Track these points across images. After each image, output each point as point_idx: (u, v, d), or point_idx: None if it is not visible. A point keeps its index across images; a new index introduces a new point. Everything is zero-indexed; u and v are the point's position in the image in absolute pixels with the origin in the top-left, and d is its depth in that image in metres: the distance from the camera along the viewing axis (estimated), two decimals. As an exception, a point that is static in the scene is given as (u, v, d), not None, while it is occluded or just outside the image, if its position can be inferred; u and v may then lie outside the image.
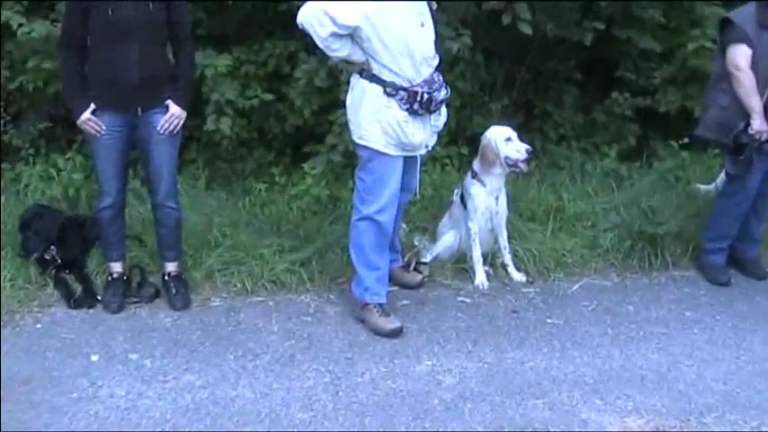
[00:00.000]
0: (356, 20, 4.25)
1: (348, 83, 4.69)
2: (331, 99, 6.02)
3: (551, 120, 7.23)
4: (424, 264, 5.40)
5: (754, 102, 5.05)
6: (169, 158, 4.68)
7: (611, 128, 7.22)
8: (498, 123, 5.44)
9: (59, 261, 5.07)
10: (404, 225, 5.52)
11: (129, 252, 5.11)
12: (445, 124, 4.84)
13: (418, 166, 4.80)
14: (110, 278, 4.94)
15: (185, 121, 4.68)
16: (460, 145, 6.67)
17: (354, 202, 4.69)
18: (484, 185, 5.26)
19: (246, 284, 5.09)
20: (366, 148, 4.50)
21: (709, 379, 4.34)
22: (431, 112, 4.55)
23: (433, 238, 5.60)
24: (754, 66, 5.04)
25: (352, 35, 4.33)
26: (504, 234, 5.42)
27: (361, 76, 4.47)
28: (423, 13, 4.50)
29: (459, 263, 5.48)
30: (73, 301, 4.84)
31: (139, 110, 4.51)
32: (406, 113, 4.43)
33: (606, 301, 5.18)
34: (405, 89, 4.40)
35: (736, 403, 4.14)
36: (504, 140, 5.19)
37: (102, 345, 4.45)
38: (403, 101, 4.41)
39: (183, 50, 4.64)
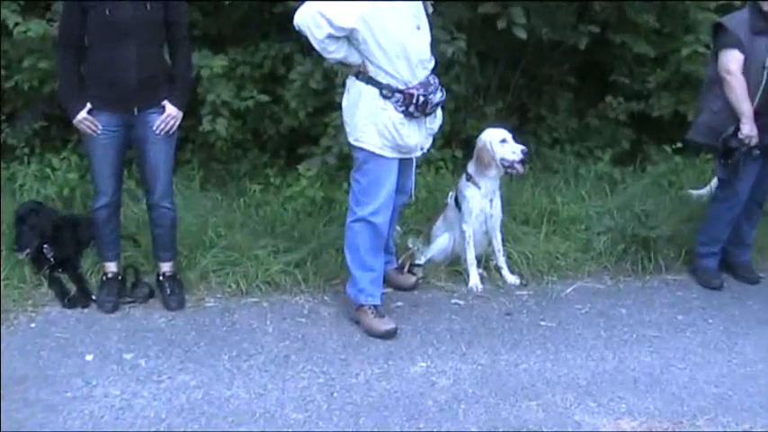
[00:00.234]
0: (353, 22, 4.27)
1: (344, 85, 4.71)
2: (326, 101, 6.02)
3: (545, 123, 7.25)
4: (419, 266, 5.42)
5: (744, 107, 5.08)
6: (165, 158, 4.68)
7: (605, 132, 7.24)
8: (493, 126, 5.45)
9: (54, 260, 5.07)
10: (398, 227, 5.53)
11: (123, 252, 5.12)
12: (440, 127, 4.86)
13: (413, 168, 4.82)
14: (104, 278, 4.94)
15: (181, 121, 4.69)
16: (455, 148, 6.69)
17: (349, 203, 4.71)
18: (478, 188, 5.27)
19: (241, 285, 5.09)
20: (362, 149, 4.52)
21: (701, 382, 4.36)
22: (426, 115, 4.56)
23: (428, 241, 5.61)
24: (746, 71, 5.07)
25: (349, 37, 4.35)
26: (499, 237, 5.43)
27: (357, 78, 4.48)
28: (418, 15, 4.51)
29: (454, 265, 5.50)
30: (67, 301, 4.84)
31: (136, 110, 4.52)
32: (401, 116, 4.44)
33: (599, 304, 5.20)
34: (401, 91, 4.41)
35: (728, 406, 4.16)
36: (499, 142, 5.21)
37: (97, 344, 4.45)
38: (399, 103, 4.42)
39: (180, 51, 4.65)
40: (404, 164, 4.66)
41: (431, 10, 4.68)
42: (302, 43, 5.21)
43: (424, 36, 4.53)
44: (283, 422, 3.87)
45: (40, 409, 3.86)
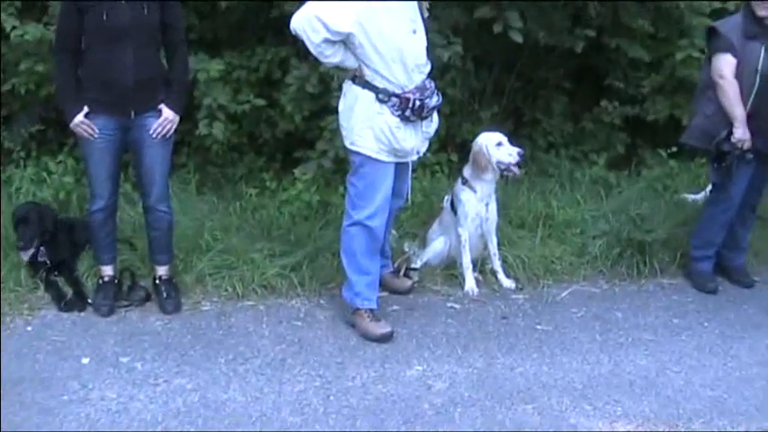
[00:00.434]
0: (349, 26, 4.27)
1: (340, 89, 4.72)
2: (322, 105, 6.04)
3: (540, 127, 7.27)
4: (414, 269, 5.42)
5: (737, 110, 5.10)
6: (161, 162, 4.68)
7: (600, 136, 7.25)
8: (488, 130, 5.46)
9: (50, 264, 5.06)
10: (394, 231, 5.54)
11: (119, 255, 5.12)
12: (436, 131, 4.87)
13: (409, 172, 4.83)
14: (101, 281, 4.94)
15: (177, 125, 4.69)
16: (450, 152, 6.70)
17: (346, 207, 4.71)
18: (474, 192, 5.28)
19: (237, 289, 5.10)
20: (358, 153, 4.52)
21: (696, 385, 4.37)
22: (422, 119, 4.57)
23: (423, 245, 5.62)
24: (739, 75, 5.10)
25: (345, 41, 4.35)
26: (494, 240, 5.44)
27: (353, 82, 4.49)
28: (415, 20, 4.52)
29: (449, 269, 5.51)
30: (63, 304, 4.84)
31: (133, 113, 4.52)
32: (398, 120, 4.45)
33: (595, 308, 5.21)
34: (397, 96, 4.42)
35: (724, 409, 4.18)
36: (495, 145, 5.22)
37: (93, 348, 4.45)
38: (395, 107, 4.43)
39: (177, 55, 4.66)
40: (400, 168, 4.66)
41: (427, 14, 4.69)
42: (298, 47, 5.24)
43: (421, 40, 4.54)
44: (280, 425, 3.87)
45: (37, 412, 3.86)
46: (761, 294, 5.52)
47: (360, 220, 4.58)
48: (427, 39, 4.62)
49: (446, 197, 5.57)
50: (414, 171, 5.08)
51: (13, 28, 5.72)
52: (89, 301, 4.87)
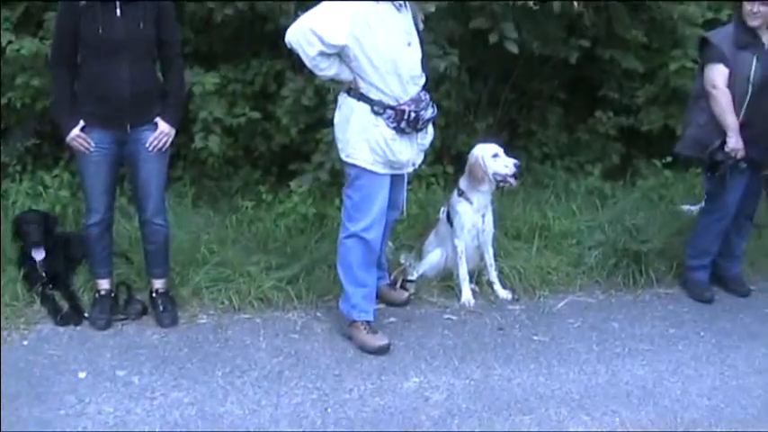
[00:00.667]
0: (344, 39, 4.28)
1: (335, 101, 4.72)
2: (317, 117, 6.04)
3: (535, 138, 7.28)
4: (411, 281, 5.43)
5: (730, 120, 5.12)
6: (158, 175, 4.69)
7: (595, 147, 7.27)
8: (483, 141, 5.48)
9: (46, 277, 5.06)
10: (390, 243, 5.53)
11: (116, 269, 5.11)
12: (431, 143, 4.88)
13: (405, 184, 4.84)
14: (97, 295, 4.93)
15: (173, 138, 4.70)
16: (446, 164, 6.71)
17: (342, 219, 4.72)
18: (470, 203, 5.29)
19: (234, 301, 5.09)
20: (354, 165, 4.53)
21: (693, 394, 4.38)
22: (418, 131, 4.58)
23: (420, 256, 5.62)
24: (731, 85, 5.12)
25: (340, 54, 4.36)
26: (491, 252, 5.45)
27: (348, 94, 4.50)
28: (410, 32, 4.54)
29: (446, 280, 5.51)
30: (60, 318, 4.83)
31: (129, 127, 4.53)
32: (393, 132, 4.46)
33: (591, 318, 5.22)
34: (392, 108, 4.43)
35: (721, 418, 4.19)
36: (491, 157, 5.23)
37: (90, 361, 4.45)
38: (390, 119, 4.44)
39: (172, 68, 4.67)
40: (395, 180, 4.67)
41: (422, 26, 4.71)
42: (293, 60, 5.24)
43: (415, 52, 4.55)
44: (277, 438, 3.88)
45: (34, 427, 3.86)
46: (757, 303, 5.53)
47: (356, 232, 4.59)
48: (422, 51, 4.63)
49: (442, 209, 5.57)
50: (409, 183, 5.09)
51: (9, 42, 5.73)
52: (85, 314, 4.87)
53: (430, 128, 4.73)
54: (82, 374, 4.32)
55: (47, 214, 5.37)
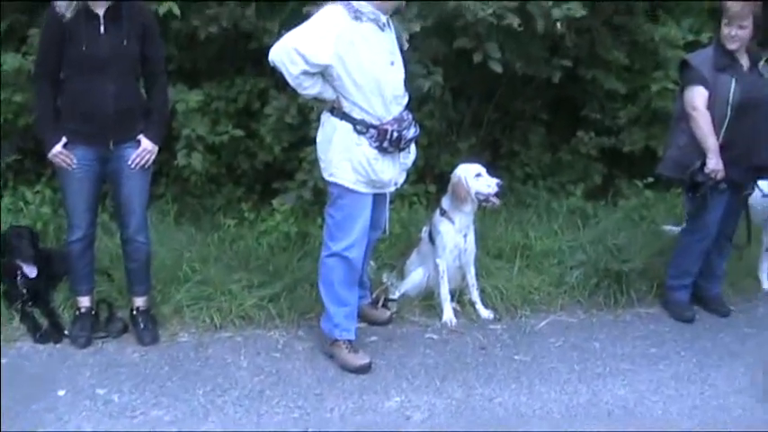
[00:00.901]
0: (327, 58, 4.30)
1: (318, 120, 4.73)
2: (301, 136, 6.05)
3: (518, 159, 7.31)
4: (393, 300, 5.42)
5: (710, 141, 5.16)
6: (140, 193, 4.69)
7: (577, 167, 7.30)
8: (466, 161, 5.49)
9: (26, 294, 5.03)
10: (372, 262, 5.54)
11: (97, 286, 5.09)
12: (414, 162, 4.90)
13: (387, 203, 4.84)
14: (77, 312, 4.91)
15: (156, 155, 4.69)
16: (428, 183, 6.73)
17: (324, 238, 4.71)
18: (453, 223, 5.30)
19: (215, 320, 5.08)
20: (336, 185, 4.54)
21: (674, 414, 4.39)
22: (400, 150, 4.59)
23: (402, 275, 5.62)
24: (711, 107, 5.16)
25: (324, 73, 4.37)
26: (472, 271, 5.45)
27: (331, 113, 4.51)
28: (393, 51, 4.55)
29: (428, 300, 5.51)
30: (39, 336, 4.81)
31: (112, 144, 4.53)
32: (376, 151, 4.47)
33: (573, 338, 5.23)
34: (375, 127, 4.44)
35: (702, 438, 4.20)
36: (474, 176, 5.24)
37: (69, 380, 4.42)
38: (373, 138, 4.45)
39: (156, 86, 4.68)
40: (378, 199, 4.68)
41: (406, 46, 4.73)
42: (277, 78, 5.25)
43: (399, 72, 4.57)
44: (258, 457, 3.87)
45: (12, 446, 3.84)
46: (737, 323, 5.55)
47: (338, 251, 4.59)
48: (405, 70, 4.65)
49: (424, 228, 5.58)
50: (392, 202, 5.09)
51: (-8, 58, 5.73)
52: (65, 332, 4.85)
53: (413, 147, 4.75)
54: (61, 392, 4.30)
55: (31, 230, 5.34)
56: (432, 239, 5.41)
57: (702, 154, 5.18)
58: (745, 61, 5.25)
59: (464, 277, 5.47)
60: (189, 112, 5.97)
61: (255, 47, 5.96)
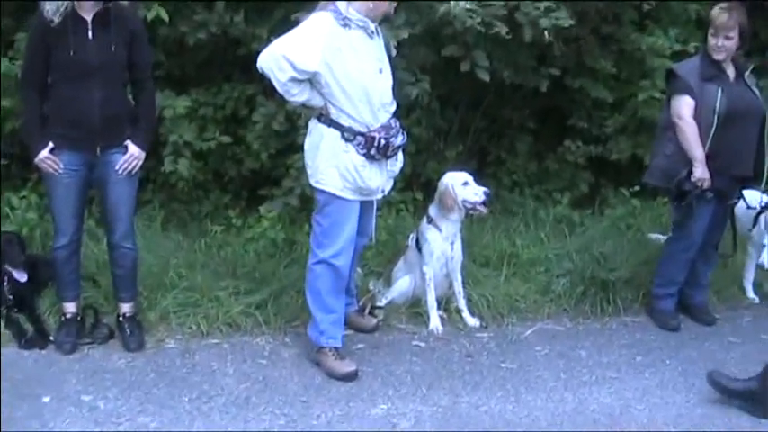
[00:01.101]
0: (316, 65, 4.30)
1: (306, 127, 4.73)
2: (288, 143, 6.05)
3: (505, 167, 7.32)
4: (379, 308, 5.42)
5: (696, 151, 5.19)
6: (127, 199, 4.68)
7: (564, 175, 7.32)
8: (453, 169, 5.51)
9: (11, 299, 5.01)
10: (359, 269, 5.53)
11: (83, 292, 5.07)
12: (401, 170, 4.90)
13: (374, 210, 4.84)
14: (63, 318, 4.89)
15: (142, 161, 4.69)
16: (415, 190, 6.73)
17: (311, 245, 4.71)
18: (440, 231, 5.31)
19: (202, 326, 5.07)
20: (323, 192, 4.54)
21: (660, 422, 4.39)
22: (388, 158, 4.59)
23: (388, 283, 5.61)
24: (697, 116, 5.20)
25: (312, 80, 4.38)
26: (459, 279, 5.46)
27: (319, 120, 4.51)
28: (381, 59, 4.56)
29: (414, 307, 5.51)
30: (24, 342, 4.78)
31: (99, 150, 4.52)
32: (363, 158, 4.47)
33: (559, 346, 5.23)
34: (362, 134, 4.44)
35: (687, 446, 4.21)
36: (461, 185, 5.25)
37: (55, 386, 4.40)
38: (360, 146, 4.45)
39: (144, 92, 4.67)
40: (365, 206, 4.68)
41: (394, 53, 4.73)
42: (265, 85, 5.24)
43: (387, 79, 4.57)
44: (244, 464, 3.85)
45: (-4, 452, 3.81)
46: (722, 332, 5.57)
47: (325, 258, 4.59)
48: (393, 78, 4.66)
49: (411, 236, 5.58)
50: (379, 209, 5.10)
51: (-22, 63, 5.70)
52: (51, 338, 4.82)
53: (400, 155, 4.75)
54: (46, 399, 4.27)
55: (19, 236, 5.31)
56: (419, 247, 5.42)
57: (689, 163, 5.21)
58: (731, 71, 5.29)
59: (451, 285, 5.47)
60: (176, 119, 5.96)
61: (244, 53, 5.96)
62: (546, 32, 5.87)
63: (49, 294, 5.17)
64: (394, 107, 4.63)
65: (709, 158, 5.19)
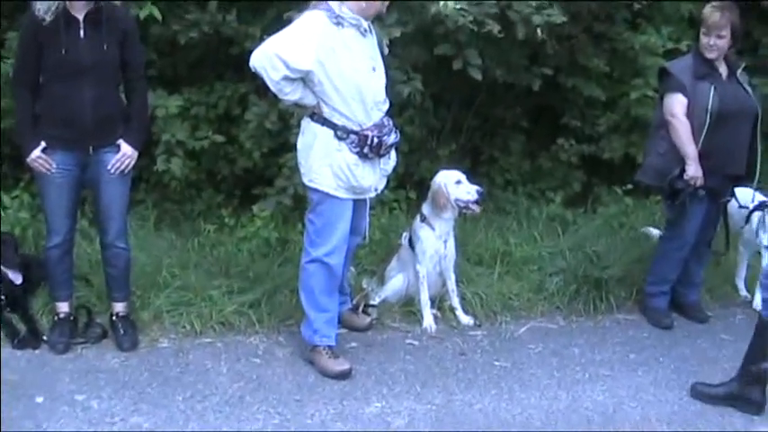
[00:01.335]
0: (309, 64, 4.30)
1: (299, 126, 4.72)
2: (281, 142, 6.04)
3: (498, 165, 7.33)
4: (373, 306, 5.42)
5: (689, 149, 5.19)
6: (120, 198, 4.67)
7: (557, 174, 7.33)
8: (446, 168, 5.51)
9: (4, 299, 4.99)
10: (352, 268, 5.53)
11: (76, 292, 5.06)
12: (394, 168, 4.90)
13: (367, 209, 4.84)
14: (56, 318, 4.88)
15: (135, 161, 4.68)
16: (408, 189, 6.73)
17: (304, 244, 4.71)
18: (433, 229, 5.31)
19: (195, 326, 5.06)
20: (316, 190, 4.53)
21: (653, 420, 4.41)
22: (381, 156, 4.59)
23: (382, 281, 5.61)
24: (690, 114, 5.20)
25: (305, 79, 4.37)
26: (452, 277, 5.46)
27: (312, 119, 4.51)
28: (374, 57, 4.56)
29: (408, 306, 5.51)
30: (17, 342, 4.76)
31: (91, 149, 4.51)
32: (356, 157, 4.47)
33: (552, 344, 5.24)
34: (355, 133, 4.44)
35: (680, 444, 4.22)
36: (454, 183, 5.26)
37: (48, 386, 4.39)
38: (353, 144, 4.45)
39: (136, 91, 4.66)
40: (358, 205, 4.68)
41: (386, 51, 4.73)
42: (257, 84, 5.25)
43: (380, 78, 4.57)
44: (238, 463, 3.85)
45: (-11, 452, 3.80)
46: (715, 329, 5.59)
47: (318, 257, 4.58)
48: (386, 76, 4.66)
49: (404, 234, 5.58)
50: (372, 208, 5.09)
51: (-31, 62, 5.68)
52: (44, 338, 4.81)
53: (393, 153, 4.75)
54: (39, 399, 4.26)
55: (13, 236, 5.30)
56: (412, 246, 5.42)
57: (682, 161, 5.22)
58: (723, 69, 5.30)
59: (444, 283, 5.47)
60: (169, 118, 5.95)
61: (237, 52, 5.95)
62: (539, 30, 5.88)
63: (42, 294, 5.16)
64: (387, 106, 4.63)
65: (701, 157, 5.20)
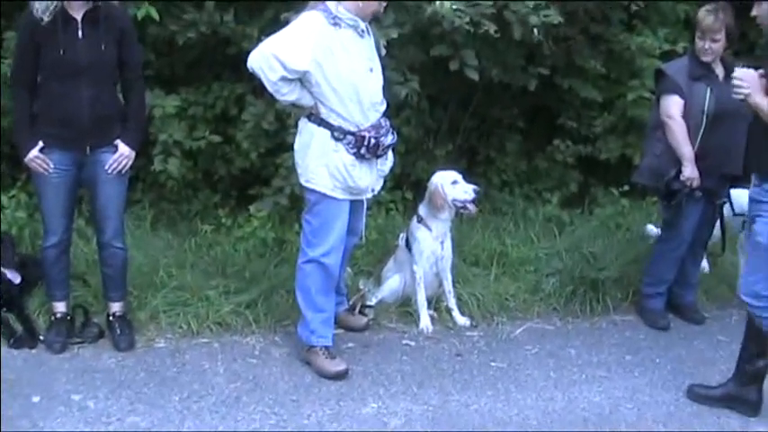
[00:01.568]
0: (306, 65, 4.30)
1: (296, 126, 4.73)
2: (278, 142, 6.04)
3: (494, 166, 7.33)
4: (370, 307, 5.43)
5: (685, 150, 5.20)
6: (117, 198, 4.67)
7: (553, 175, 7.33)
8: (443, 169, 5.51)
9: (1, 299, 4.98)
10: (349, 268, 5.53)
11: (72, 292, 5.06)
12: (391, 169, 4.90)
13: (364, 209, 4.84)
14: (53, 318, 4.88)
15: (132, 161, 4.68)
16: (405, 190, 6.73)
17: (301, 244, 4.71)
18: (429, 230, 5.31)
19: (192, 326, 5.06)
20: (313, 191, 4.54)
21: (650, 421, 4.41)
22: (377, 157, 4.60)
23: (378, 282, 5.62)
24: (686, 115, 5.21)
25: (302, 79, 4.38)
26: (449, 278, 5.46)
27: (309, 119, 4.51)
28: (372, 58, 4.57)
29: (404, 306, 5.51)
30: (14, 341, 4.76)
31: (88, 149, 4.51)
32: (353, 158, 4.47)
33: (549, 345, 5.25)
34: (352, 134, 4.45)
35: (676, 445, 4.22)
36: (450, 184, 5.26)
37: (44, 385, 4.39)
38: (350, 145, 4.46)
39: (133, 91, 4.66)
40: (355, 205, 4.68)
41: (384, 52, 4.73)
42: (255, 84, 5.24)
43: (377, 79, 4.58)
44: (234, 464, 3.85)
45: (-14, 452, 3.80)
46: (711, 330, 5.59)
47: (315, 257, 4.59)
48: (383, 77, 4.66)
49: (401, 235, 5.59)
50: (368, 209, 5.10)
51: (-33, 62, 5.68)
52: (40, 337, 4.81)
53: (390, 154, 4.76)
54: (36, 398, 4.26)
55: (11, 236, 5.29)
56: (408, 246, 5.42)
57: (678, 162, 5.22)
58: (720, 71, 5.30)
59: (441, 284, 5.48)
60: (166, 118, 5.94)
61: (234, 52, 5.95)
62: (535, 30, 5.88)
63: (39, 294, 5.15)
64: (384, 106, 4.64)
65: (698, 158, 5.21)
